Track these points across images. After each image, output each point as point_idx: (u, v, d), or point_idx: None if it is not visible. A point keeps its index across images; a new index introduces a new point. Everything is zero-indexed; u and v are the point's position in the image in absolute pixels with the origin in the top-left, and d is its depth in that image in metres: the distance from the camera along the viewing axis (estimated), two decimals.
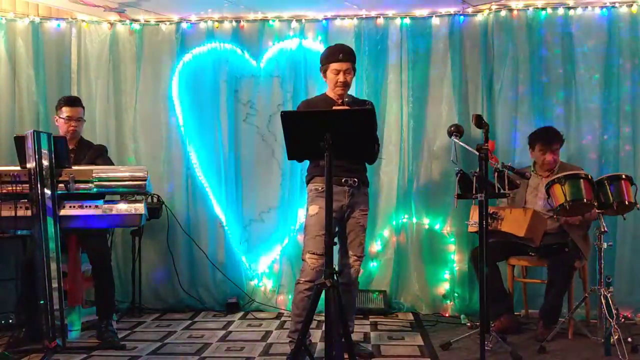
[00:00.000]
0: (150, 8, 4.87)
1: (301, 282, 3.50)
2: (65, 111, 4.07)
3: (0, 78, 4.92)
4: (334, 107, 3.43)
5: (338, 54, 3.55)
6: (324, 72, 3.60)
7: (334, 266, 2.84)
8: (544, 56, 4.70)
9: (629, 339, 3.56)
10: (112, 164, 4.21)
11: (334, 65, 3.53)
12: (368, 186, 3.74)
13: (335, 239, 3.62)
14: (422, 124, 4.84)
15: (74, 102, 4.15)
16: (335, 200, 3.45)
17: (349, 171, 3.54)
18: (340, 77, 3.53)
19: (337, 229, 3.60)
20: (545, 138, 4.21)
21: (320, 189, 3.54)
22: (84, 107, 4.21)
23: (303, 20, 4.95)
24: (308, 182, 3.67)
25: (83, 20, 5.05)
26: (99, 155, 4.15)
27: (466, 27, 4.81)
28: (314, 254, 3.45)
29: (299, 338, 2.89)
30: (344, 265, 3.62)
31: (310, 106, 3.61)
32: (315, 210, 3.50)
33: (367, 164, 3.70)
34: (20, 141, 3.47)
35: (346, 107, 3.40)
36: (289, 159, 3.06)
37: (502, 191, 3.49)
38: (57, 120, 4.14)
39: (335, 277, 2.76)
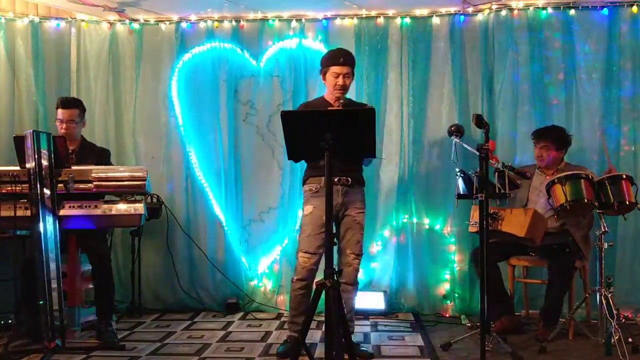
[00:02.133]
0: (149, 8, 4.86)
1: (294, 280, 3.63)
2: (59, 113, 4.05)
3: (0, 78, 4.91)
4: (328, 109, 3.46)
5: (339, 57, 3.60)
6: (324, 74, 3.65)
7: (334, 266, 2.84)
8: (544, 56, 4.70)
9: (630, 340, 3.56)
10: None
11: (334, 69, 3.58)
12: (364, 185, 3.76)
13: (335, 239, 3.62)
14: (422, 124, 4.83)
15: (67, 103, 4.09)
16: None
17: (342, 170, 3.56)
18: (340, 81, 3.57)
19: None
20: (538, 132, 4.23)
21: (314, 189, 3.62)
22: (82, 109, 4.16)
23: (303, 20, 4.94)
24: (304, 183, 3.74)
25: (82, 20, 5.05)
26: (102, 160, 4.13)
27: (466, 27, 4.81)
28: (306, 252, 3.57)
29: (298, 338, 2.88)
30: (342, 264, 3.63)
31: (308, 109, 3.65)
32: (310, 210, 3.60)
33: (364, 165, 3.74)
34: (19, 141, 3.47)
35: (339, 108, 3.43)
36: (289, 159, 3.07)
37: (502, 191, 3.48)
38: (56, 122, 4.13)
39: (335, 277, 2.76)
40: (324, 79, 3.66)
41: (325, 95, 3.73)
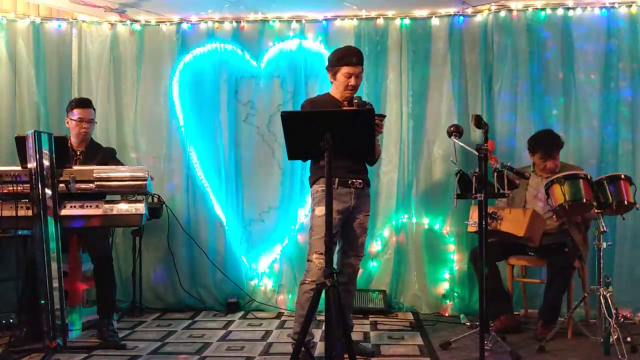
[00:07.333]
0: (150, 8, 4.88)
1: (307, 282, 3.44)
2: (77, 113, 4.05)
3: (1, 78, 4.94)
4: (344, 108, 3.41)
5: (352, 57, 3.50)
6: (334, 73, 3.53)
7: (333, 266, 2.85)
8: (544, 56, 4.71)
9: (628, 339, 3.57)
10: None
11: (346, 69, 3.48)
12: (369, 187, 3.74)
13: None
14: (422, 124, 4.85)
15: (85, 103, 4.12)
16: (342, 201, 3.46)
17: (355, 172, 3.52)
18: (352, 81, 3.49)
19: (338, 230, 3.58)
20: (546, 147, 4.17)
21: None
22: (95, 109, 4.20)
23: (303, 21, 4.96)
24: (313, 183, 3.58)
25: (84, 21, 5.06)
26: (110, 158, 4.15)
27: (466, 28, 4.82)
28: (321, 254, 3.33)
29: (299, 338, 2.89)
30: (344, 265, 3.62)
31: (315, 105, 3.53)
32: (323, 211, 3.40)
33: (367, 166, 3.71)
34: (21, 141, 3.48)
35: (353, 108, 3.35)
36: (289, 159, 3.06)
37: (501, 191, 3.50)
38: (67, 122, 4.12)
39: (335, 277, 2.77)
40: (333, 77, 3.54)
41: (332, 93, 3.60)
